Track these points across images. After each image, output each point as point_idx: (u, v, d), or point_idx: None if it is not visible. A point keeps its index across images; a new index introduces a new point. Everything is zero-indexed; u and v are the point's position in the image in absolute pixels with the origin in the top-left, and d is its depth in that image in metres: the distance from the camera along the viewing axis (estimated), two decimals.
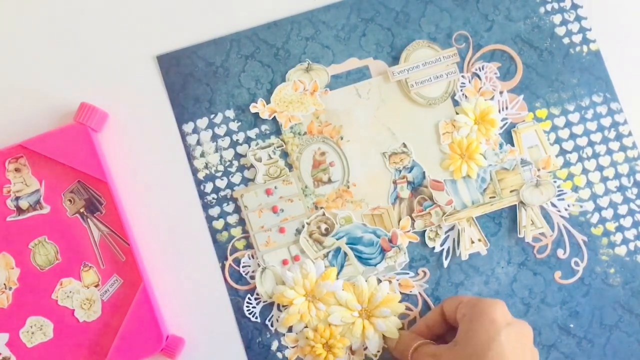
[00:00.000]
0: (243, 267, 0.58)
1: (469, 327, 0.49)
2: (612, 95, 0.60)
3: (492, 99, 0.59)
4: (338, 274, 0.57)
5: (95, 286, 0.56)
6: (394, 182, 0.59)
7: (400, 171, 0.59)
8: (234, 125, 0.59)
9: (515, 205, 0.59)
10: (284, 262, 0.58)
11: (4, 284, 0.55)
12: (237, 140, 0.59)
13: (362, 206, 0.58)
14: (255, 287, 0.57)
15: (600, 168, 0.60)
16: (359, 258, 0.58)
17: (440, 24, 0.60)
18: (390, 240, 0.58)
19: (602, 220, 0.59)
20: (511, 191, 0.59)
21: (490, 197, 0.59)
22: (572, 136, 0.60)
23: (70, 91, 0.59)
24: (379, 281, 0.57)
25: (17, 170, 0.56)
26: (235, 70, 0.59)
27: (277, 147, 0.58)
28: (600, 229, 0.59)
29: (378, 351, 0.56)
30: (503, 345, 0.47)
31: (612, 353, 0.58)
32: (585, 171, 0.59)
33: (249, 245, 0.58)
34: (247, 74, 0.59)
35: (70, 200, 0.56)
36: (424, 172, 0.59)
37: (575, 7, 0.61)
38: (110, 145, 0.58)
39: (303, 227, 0.58)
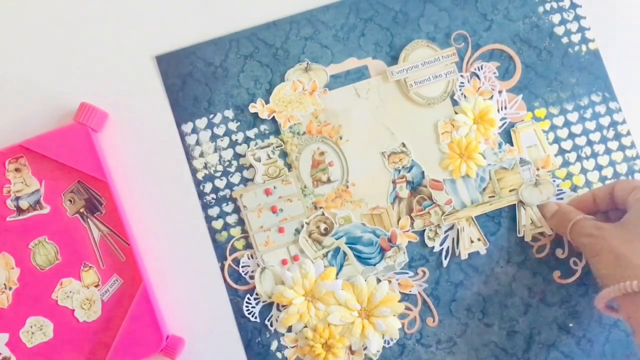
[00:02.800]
0: (242, 267, 0.58)
1: None
2: (610, 95, 0.60)
3: (491, 98, 0.59)
4: (337, 273, 0.57)
5: (95, 286, 0.56)
6: (393, 182, 0.59)
7: (399, 171, 0.59)
8: (233, 125, 0.59)
9: (515, 204, 0.59)
10: (283, 262, 0.58)
11: (4, 284, 0.56)
12: (236, 140, 0.59)
13: (361, 206, 0.58)
14: (254, 287, 0.57)
15: (598, 167, 0.60)
16: (359, 258, 0.58)
17: (439, 24, 0.60)
18: (389, 240, 0.58)
19: None
20: (510, 190, 0.59)
21: (489, 197, 0.59)
22: (571, 135, 0.60)
23: (70, 91, 0.59)
24: (379, 281, 0.57)
25: (17, 170, 0.56)
26: (234, 70, 0.59)
27: (276, 147, 0.59)
28: None
29: (378, 351, 0.57)
30: None
31: (611, 352, 0.58)
32: (583, 170, 0.59)
33: (248, 245, 0.58)
34: (246, 74, 0.59)
35: (70, 200, 0.57)
36: (423, 172, 0.59)
37: (574, 6, 0.61)
38: (110, 145, 0.58)
39: (302, 227, 0.58)
